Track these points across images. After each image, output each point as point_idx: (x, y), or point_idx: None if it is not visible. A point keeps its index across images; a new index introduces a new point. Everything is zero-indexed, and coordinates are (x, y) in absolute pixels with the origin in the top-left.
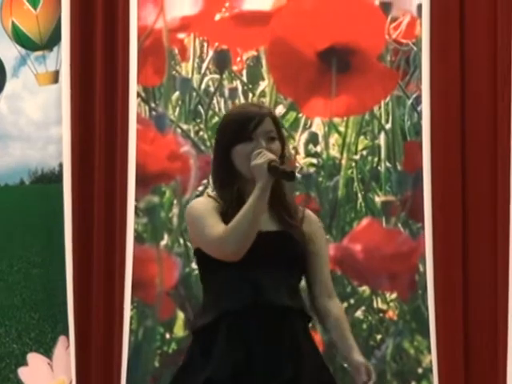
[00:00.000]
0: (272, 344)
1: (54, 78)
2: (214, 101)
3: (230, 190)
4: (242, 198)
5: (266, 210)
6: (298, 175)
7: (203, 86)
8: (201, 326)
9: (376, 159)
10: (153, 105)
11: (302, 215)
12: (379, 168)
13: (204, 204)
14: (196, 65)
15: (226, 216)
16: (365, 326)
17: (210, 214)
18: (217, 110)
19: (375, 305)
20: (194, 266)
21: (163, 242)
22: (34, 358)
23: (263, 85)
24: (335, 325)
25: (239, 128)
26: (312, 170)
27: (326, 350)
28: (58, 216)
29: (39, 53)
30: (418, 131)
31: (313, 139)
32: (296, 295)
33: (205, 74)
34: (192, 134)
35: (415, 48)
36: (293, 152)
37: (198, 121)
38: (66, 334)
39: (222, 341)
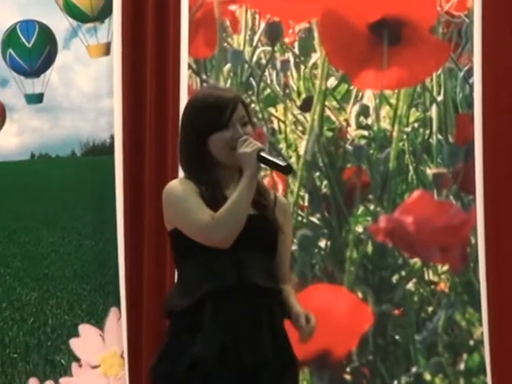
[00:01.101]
0: (253, 324)
1: (106, 50)
2: (266, 73)
3: (207, 176)
4: (218, 184)
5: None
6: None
7: (255, 58)
8: (184, 307)
9: (427, 131)
10: (204, 77)
11: (274, 198)
12: (431, 140)
13: (185, 187)
14: (248, 37)
15: (207, 200)
16: (416, 298)
17: (193, 197)
18: (269, 82)
19: (427, 277)
20: None
21: None
22: (86, 329)
23: (315, 57)
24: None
25: (215, 116)
26: (363, 142)
27: (377, 321)
28: (110, 188)
29: (90, 25)
30: (469, 103)
31: (364, 111)
32: (274, 277)
33: (257, 46)
34: None
35: (467, 20)
36: (344, 124)
37: (250, 93)
38: (118, 305)
39: (208, 321)
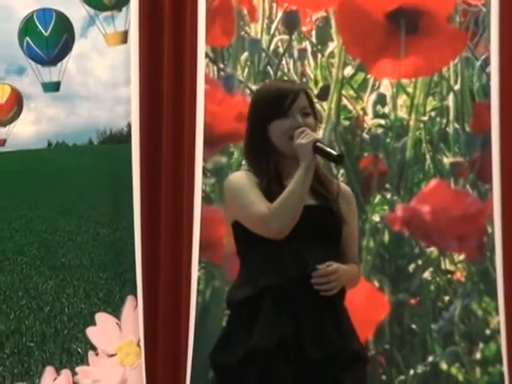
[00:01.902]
0: (316, 318)
1: (123, 38)
2: (283, 61)
3: (267, 165)
4: (279, 174)
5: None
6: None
7: (272, 47)
8: (243, 298)
9: (444, 120)
10: (221, 65)
11: (337, 189)
12: (448, 129)
13: (244, 179)
14: (265, 25)
15: (264, 192)
16: (433, 287)
17: (252, 189)
18: (286, 70)
19: (443, 266)
20: None
21: None
22: (103, 318)
23: (332, 46)
24: None
25: (275, 104)
26: (380, 131)
27: (393, 310)
28: (126, 176)
29: (108, 13)
30: (486, 92)
31: (381, 100)
32: None
33: (274, 35)
34: None
35: (484, 9)
36: (361, 113)
37: (267, 81)
38: (134, 293)
39: (268, 312)
